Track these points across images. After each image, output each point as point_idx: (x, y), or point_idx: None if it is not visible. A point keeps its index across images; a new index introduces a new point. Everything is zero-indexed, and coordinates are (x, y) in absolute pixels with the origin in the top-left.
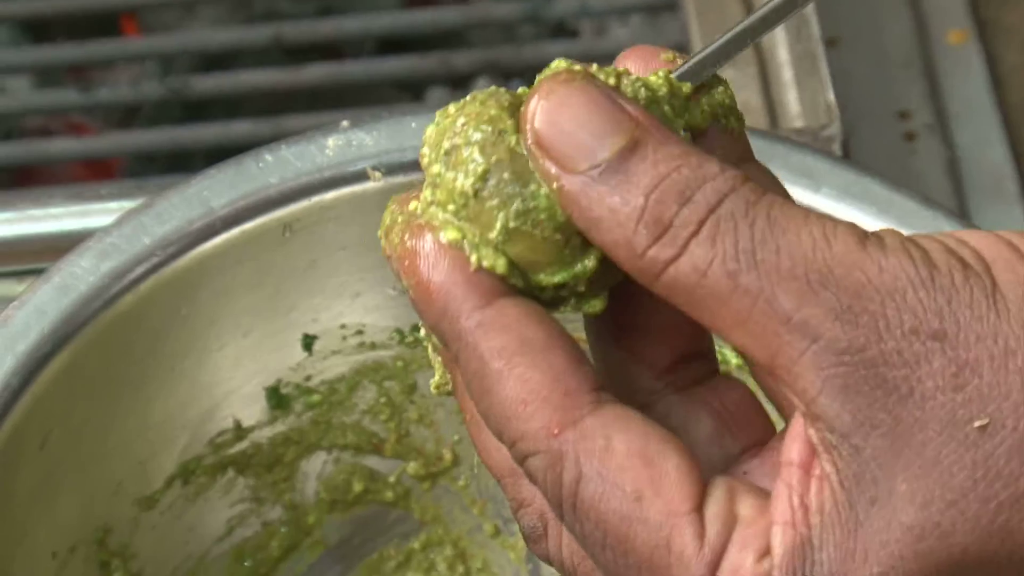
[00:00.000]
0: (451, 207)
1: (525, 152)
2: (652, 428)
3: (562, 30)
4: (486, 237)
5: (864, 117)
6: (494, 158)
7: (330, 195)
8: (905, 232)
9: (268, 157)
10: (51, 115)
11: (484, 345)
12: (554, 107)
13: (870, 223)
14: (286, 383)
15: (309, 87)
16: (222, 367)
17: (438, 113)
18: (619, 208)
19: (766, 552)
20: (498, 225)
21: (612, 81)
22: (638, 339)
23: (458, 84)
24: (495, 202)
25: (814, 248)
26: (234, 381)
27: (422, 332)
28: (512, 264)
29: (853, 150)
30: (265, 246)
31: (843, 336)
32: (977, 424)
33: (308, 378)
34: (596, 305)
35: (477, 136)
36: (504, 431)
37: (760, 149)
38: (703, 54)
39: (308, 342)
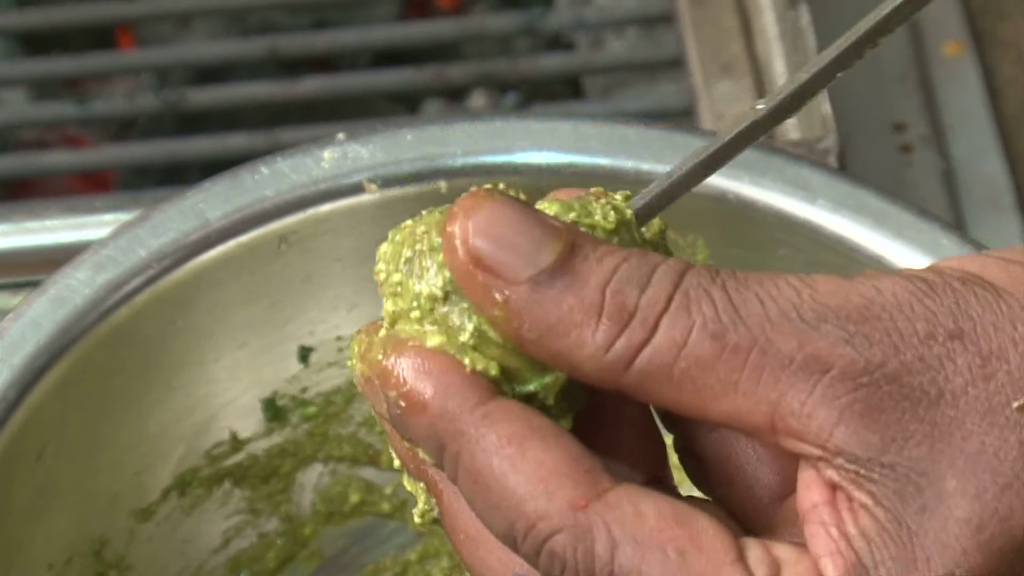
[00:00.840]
0: (415, 314)
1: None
2: (674, 497)
3: (558, 43)
4: (460, 342)
5: (860, 129)
6: None
7: (326, 207)
8: (901, 243)
9: (264, 170)
10: (47, 127)
11: (492, 435)
12: (485, 221)
13: (866, 235)
14: (282, 395)
15: (304, 100)
16: (218, 379)
17: (391, 232)
18: (575, 307)
19: None
20: (470, 327)
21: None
22: (611, 459)
23: (453, 96)
24: (464, 305)
25: (798, 293)
26: (230, 393)
27: (397, 466)
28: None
29: (849, 162)
30: (261, 259)
31: (858, 357)
32: (1015, 405)
33: (304, 390)
34: (563, 425)
35: (439, 241)
36: (519, 518)
37: (756, 161)
38: (658, 190)
39: (304, 354)
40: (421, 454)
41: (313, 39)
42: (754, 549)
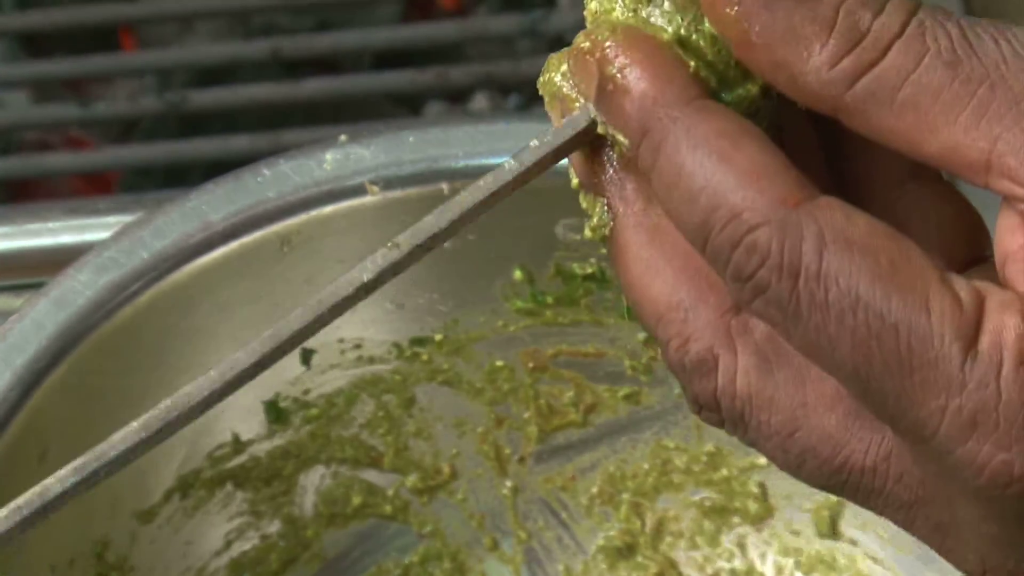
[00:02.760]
0: (617, 13)
1: None
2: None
3: (560, 44)
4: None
5: None
6: None
7: (328, 209)
8: None
9: (266, 171)
10: (49, 129)
11: (705, 125)
12: None
13: None
14: (284, 397)
15: (307, 101)
16: None
17: None
18: (808, 19)
19: None
20: (671, 29)
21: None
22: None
23: (456, 99)
24: (667, 7)
25: None
26: (232, 395)
27: (573, 181)
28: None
29: None
30: (263, 260)
31: None
32: None
33: (306, 392)
34: None
35: None
36: (721, 206)
37: None
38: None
39: (306, 356)
40: (610, 161)
41: (315, 41)
42: (957, 278)
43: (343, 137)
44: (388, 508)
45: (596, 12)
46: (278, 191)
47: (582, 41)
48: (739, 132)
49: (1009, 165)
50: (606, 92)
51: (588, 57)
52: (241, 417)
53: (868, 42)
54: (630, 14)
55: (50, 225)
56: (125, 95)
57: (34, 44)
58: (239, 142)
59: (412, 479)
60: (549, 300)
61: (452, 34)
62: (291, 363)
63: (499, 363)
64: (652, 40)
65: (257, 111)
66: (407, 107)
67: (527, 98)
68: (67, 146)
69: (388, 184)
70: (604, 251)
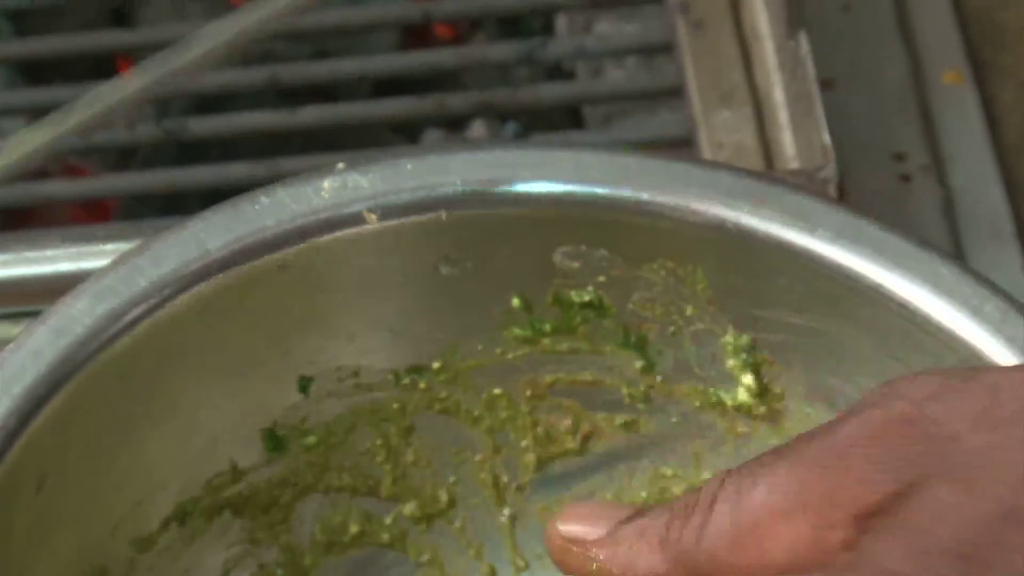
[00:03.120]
0: None
1: None
2: None
3: (558, 72)
4: None
5: (860, 158)
6: None
7: (326, 237)
8: (900, 273)
9: (264, 199)
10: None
11: None
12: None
13: (865, 265)
14: (282, 425)
15: (305, 129)
16: (218, 409)
17: None
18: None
19: None
20: None
21: None
22: None
23: (454, 126)
24: None
25: None
26: (230, 423)
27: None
28: None
29: (848, 191)
30: (261, 288)
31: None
32: None
33: (304, 420)
34: None
35: None
36: None
37: (755, 191)
38: None
39: (304, 384)
40: None
41: (313, 69)
42: None
43: (341, 165)
44: (386, 536)
45: None
46: (276, 219)
47: None
48: None
49: None
50: None
51: None
52: (239, 445)
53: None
54: None
55: (48, 253)
56: (123, 123)
57: (32, 71)
58: (237, 170)
59: (410, 507)
60: (547, 328)
61: (450, 62)
62: (289, 391)
63: (497, 391)
64: None
65: (255, 139)
66: (405, 135)
67: (525, 125)
68: (65, 174)
69: (386, 212)
70: (602, 279)
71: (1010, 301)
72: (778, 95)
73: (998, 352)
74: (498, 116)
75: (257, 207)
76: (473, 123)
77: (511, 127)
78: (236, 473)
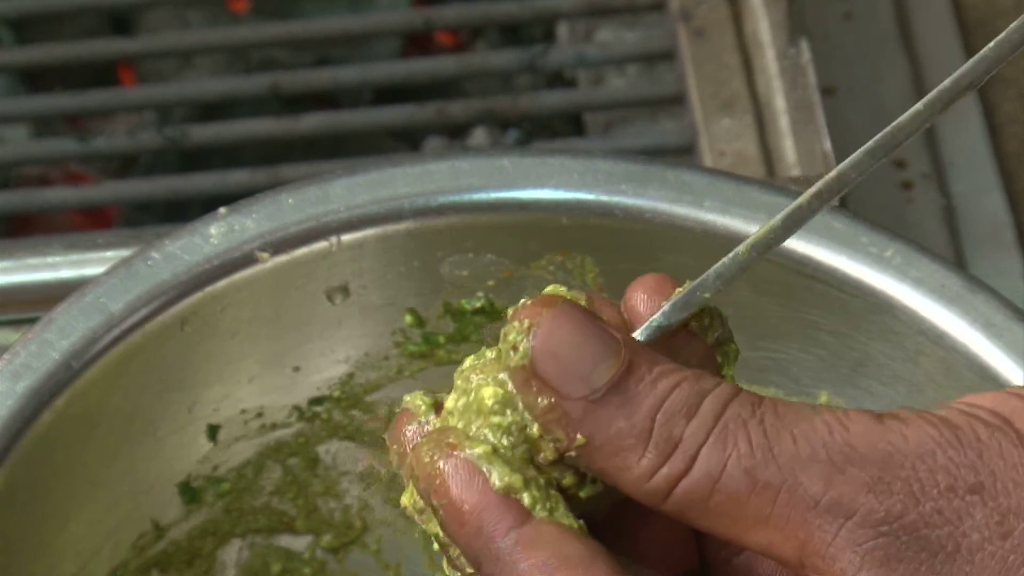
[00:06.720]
0: (467, 416)
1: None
2: None
3: (559, 80)
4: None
5: None
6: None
7: (222, 283)
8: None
9: (155, 255)
10: (49, 164)
11: (524, 563)
12: (544, 334)
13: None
14: (196, 476)
15: (306, 136)
16: (136, 471)
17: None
18: (626, 432)
19: None
20: (514, 438)
21: None
22: (642, 560)
23: (455, 133)
24: (511, 417)
25: (831, 432)
26: (147, 483)
27: (445, 569)
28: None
29: (849, 199)
30: (165, 344)
31: (879, 506)
32: None
33: (216, 468)
34: (596, 517)
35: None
36: None
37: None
38: (697, 281)
39: (212, 432)
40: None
41: (315, 76)
42: None
43: (223, 210)
44: (307, 571)
45: (449, 409)
46: (171, 273)
47: (411, 456)
48: (556, 564)
49: (818, 566)
50: (440, 520)
51: (419, 483)
52: (159, 503)
53: (679, 453)
54: (477, 417)
55: (49, 260)
56: (125, 130)
57: (34, 79)
58: (238, 177)
59: (326, 538)
60: (441, 340)
61: (451, 69)
62: (199, 441)
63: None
64: (462, 463)
65: (257, 146)
66: (406, 142)
67: (526, 133)
68: (66, 181)
69: (276, 247)
70: (491, 283)
71: (908, 242)
72: (779, 103)
73: (879, 281)
74: (499, 124)
75: (150, 263)
76: (474, 130)
77: (512, 134)
78: (158, 530)
